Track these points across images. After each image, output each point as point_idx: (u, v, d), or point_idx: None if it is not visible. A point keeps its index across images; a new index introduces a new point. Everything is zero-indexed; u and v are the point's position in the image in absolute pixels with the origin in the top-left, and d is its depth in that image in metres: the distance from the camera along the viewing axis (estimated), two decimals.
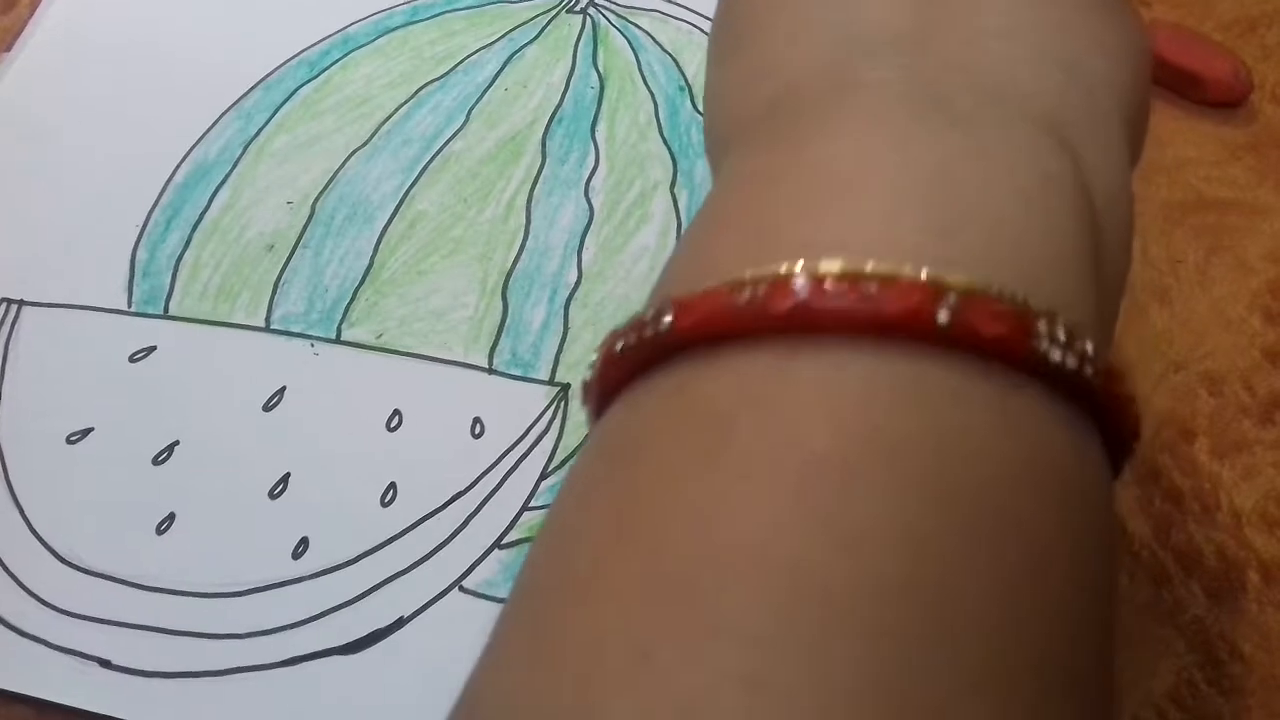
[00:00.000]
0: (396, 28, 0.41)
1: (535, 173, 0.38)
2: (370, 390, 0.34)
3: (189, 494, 0.32)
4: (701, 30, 0.41)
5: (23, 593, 0.31)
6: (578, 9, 0.42)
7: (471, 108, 0.39)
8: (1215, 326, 0.36)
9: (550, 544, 0.17)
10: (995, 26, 0.20)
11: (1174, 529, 0.33)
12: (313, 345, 0.35)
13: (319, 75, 0.40)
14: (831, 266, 0.16)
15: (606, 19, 0.41)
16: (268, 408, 0.34)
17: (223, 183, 0.38)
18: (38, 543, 0.32)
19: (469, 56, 0.40)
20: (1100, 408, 0.17)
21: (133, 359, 0.35)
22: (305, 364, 0.35)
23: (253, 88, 0.40)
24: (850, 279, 0.16)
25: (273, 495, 0.32)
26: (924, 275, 0.16)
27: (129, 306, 0.36)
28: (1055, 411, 0.16)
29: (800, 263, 0.16)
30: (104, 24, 0.41)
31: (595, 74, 0.40)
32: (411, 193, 0.38)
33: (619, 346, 0.18)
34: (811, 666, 0.14)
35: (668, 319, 0.17)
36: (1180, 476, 0.34)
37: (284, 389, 0.34)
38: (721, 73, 0.23)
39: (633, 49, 0.41)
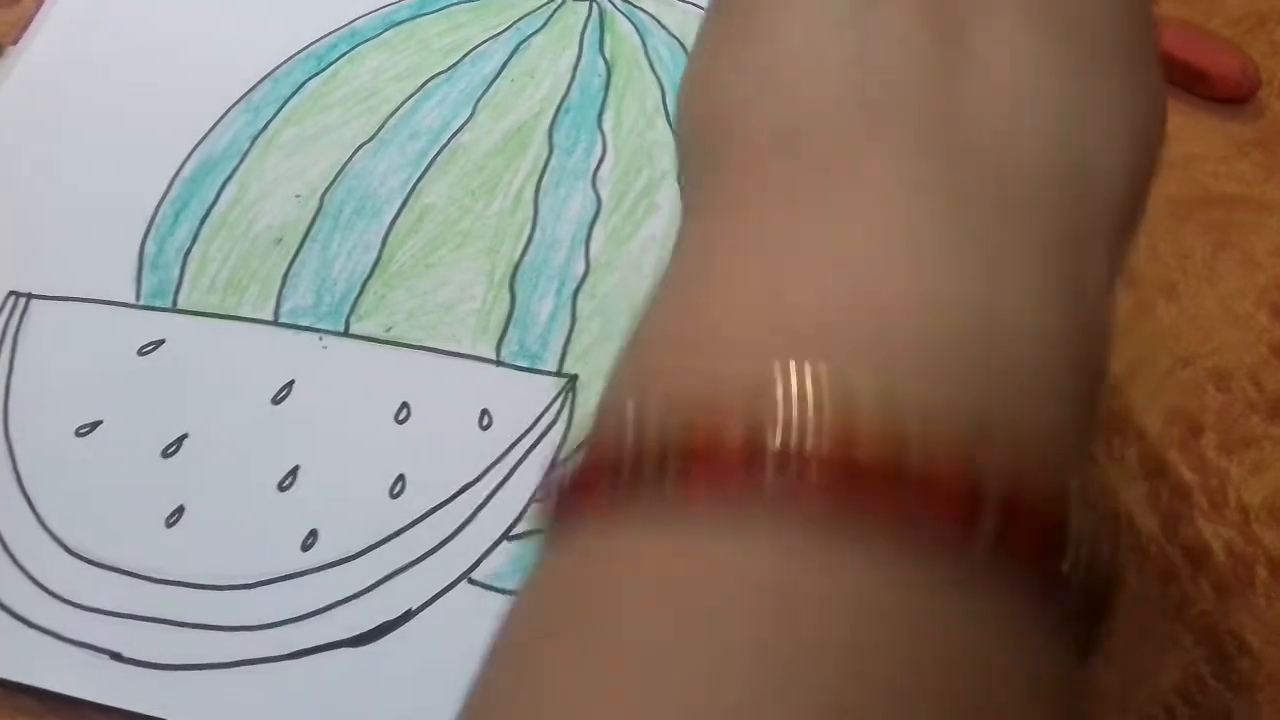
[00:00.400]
0: (403, 21, 0.41)
1: (542, 164, 0.38)
2: (379, 383, 0.34)
3: (198, 487, 0.32)
4: None
5: (33, 585, 0.31)
6: None
7: (478, 100, 0.39)
8: (1223, 322, 0.36)
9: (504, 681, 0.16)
10: (1009, 88, 0.18)
11: (1182, 524, 0.33)
12: (321, 338, 0.35)
13: (326, 69, 0.40)
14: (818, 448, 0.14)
15: (613, 4, 0.41)
16: (276, 401, 0.34)
17: (230, 176, 0.38)
18: (47, 536, 0.32)
19: (475, 48, 0.40)
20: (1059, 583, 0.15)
21: (141, 352, 0.35)
22: (314, 357, 0.35)
23: (260, 81, 0.40)
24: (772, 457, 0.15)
25: (281, 488, 0.32)
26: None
27: (137, 300, 0.36)
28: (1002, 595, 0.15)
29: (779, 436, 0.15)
30: (111, 17, 0.41)
31: (602, 61, 0.40)
32: (419, 186, 0.38)
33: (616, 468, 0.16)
34: None
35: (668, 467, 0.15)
36: (1188, 472, 0.34)
37: (292, 382, 0.34)
38: (718, 59, 0.21)
39: (639, 34, 0.41)
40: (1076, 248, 0.18)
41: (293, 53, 0.40)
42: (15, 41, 0.42)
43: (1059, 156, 0.18)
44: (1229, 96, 0.40)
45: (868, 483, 0.14)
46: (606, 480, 0.16)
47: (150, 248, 0.37)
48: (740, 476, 0.15)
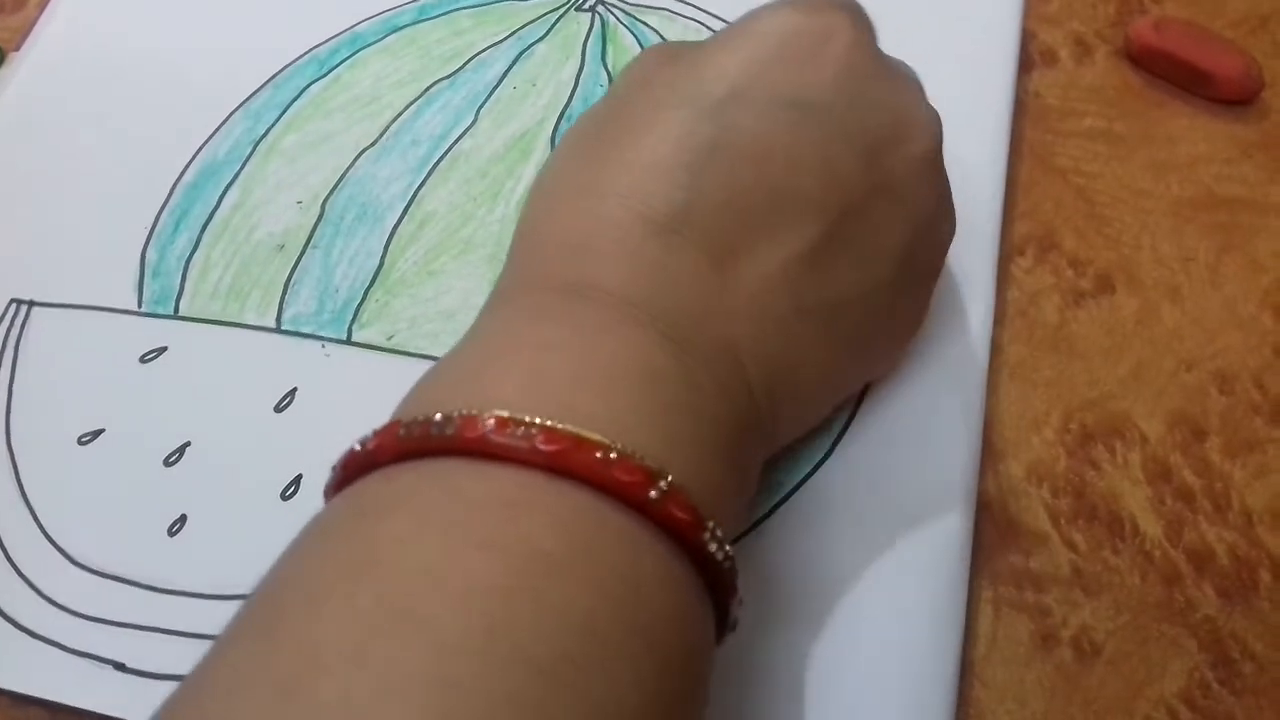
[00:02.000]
0: (404, 26, 0.41)
1: None
2: (382, 392, 0.33)
3: (200, 495, 0.32)
4: (710, 29, 0.41)
5: (36, 596, 0.31)
6: (586, 7, 0.42)
7: (480, 106, 0.39)
8: (1226, 325, 0.36)
9: (293, 565, 0.22)
10: (750, 319, 0.26)
11: (1186, 528, 0.33)
12: (324, 346, 0.35)
13: (328, 74, 0.40)
14: (502, 413, 0.22)
15: (615, 16, 0.41)
16: (279, 409, 0.34)
17: (232, 182, 0.38)
18: (50, 545, 0.32)
19: (477, 55, 0.40)
20: (703, 562, 0.23)
21: (143, 360, 0.35)
22: (316, 365, 0.35)
23: (261, 86, 0.40)
24: (516, 424, 0.22)
25: (284, 497, 0.32)
26: (568, 428, 0.22)
27: (139, 307, 0.36)
28: (655, 547, 0.22)
29: (491, 411, 0.22)
30: (112, 24, 0.41)
31: (604, 72, 0.40)
32: (421, 192, 0.38)
33: (400, 433, 0.23)
34: (478, 676, 0.19)
35: (370, 444, 0.23)
36: (1192, 475, 0.34)
37: (295, 390, 0.34)
38: (561, 197, 0.28)
39: (641, 46, 0.40)
40: (736, 440, 0.25)
41: (294, 58, 0.40)
42: (17, 48, 0.42)
43: (757, 380, 0.26)
44: (1232, 98, 0.40)
45: (580, 451, 0.21)
46: (395, 445, 0.22)
47: (152, 254, 0.37)
48: (490, 441, 0.22)
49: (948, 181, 0.30)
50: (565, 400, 0.23)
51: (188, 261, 0.36)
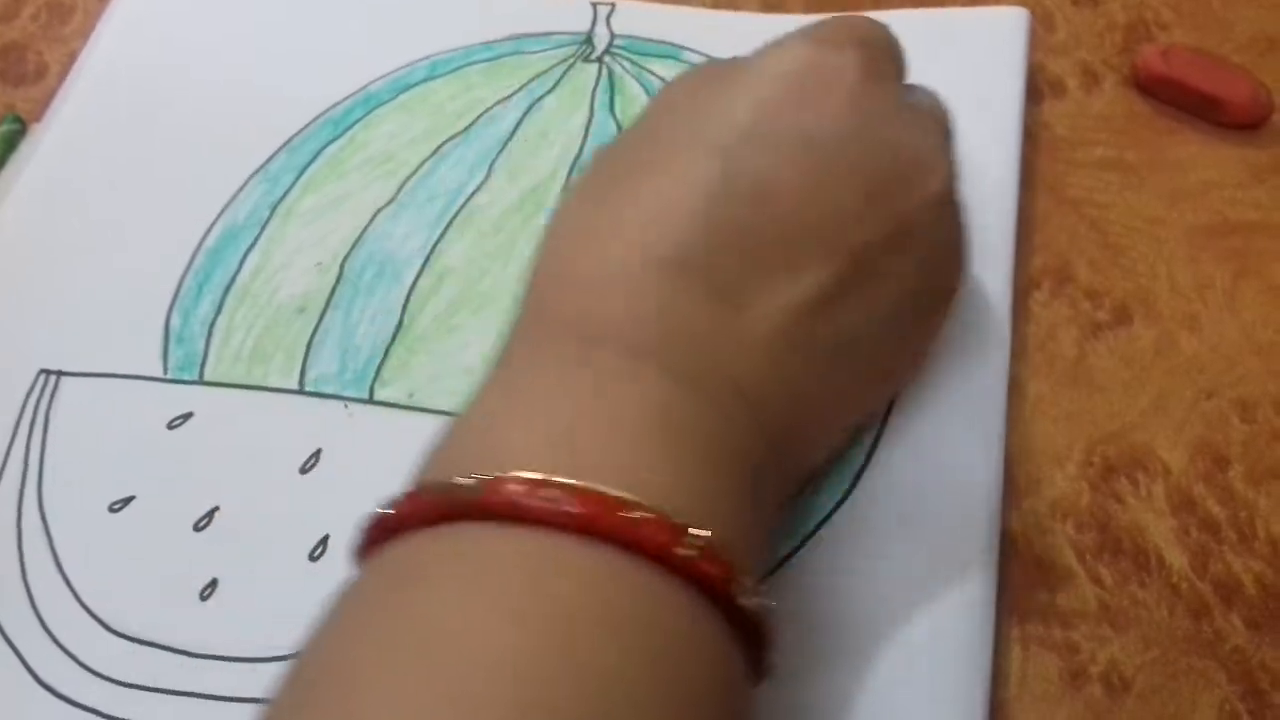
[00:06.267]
0: (416, 84, 0.42)
1: None
2: (404, 450, 0.34)
3: (230, 559, 0.33)
4: None
5: (74, 664, 0.31)
6: (593, 58, 0.42)
7: (493, 161, 0.40)
8: (1246, 351, 0.36)
9: (328, 645, 0.22)
10: (761, 353, 0.27)
11: (1211, 559, 0.33)
12: (346, 406, 0.35)
13: (343, 134, 0.41)
14: (533, 475, 0.22)
15: (622, 66, 0.42)
16: (305, 470, 0.34)
17: (252, 246, 0.38)
18: (86, 613, 0.32)
19: (488, 110, 0.41)
20: (735, 613, 0.23)
21: (170, 426, 0.35)
22: (340, 425, 0.35)
23: (278, 150, 0.40)
24: (544, 485, 0.22)
25: (313, 558, 0.33)
26: (603, 489, 0.22)
27: (165, 373, 0.36)
28: (687, 603, 0.22)
29: (516, 472, 0.22)
30: (130, 94, 0.42)
31: (613, 121, 0.40)
32: (438, 248, 0.38)
33: (426, 498, 0.23)
34: None
35: (400, 508, 0.24)
36: (1216, 505, 0.34)
37: (320, 451, 0.35)
38: (569, 245, 0.28)
39: (648, 95, 0.41)
40: (755, 479, 0.26)
41: (309, 119, 0.41)
42: (39, 119, 0.42)
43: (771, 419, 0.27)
44: (1243, 122, 0.40)
45: (609, 512, 0.22)
46: (420, 511, 0.23)
47: (175, 320, 0.37)
48: (519, 506, 0.22)
49: (963, 220, 0.30)
50: (589, 457, 0.23)
51: (211, 326, 0.37)
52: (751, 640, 0.24)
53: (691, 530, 0.22)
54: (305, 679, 0.22)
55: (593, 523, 0.21)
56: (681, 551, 0.22)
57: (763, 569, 0.25)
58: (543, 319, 0.28)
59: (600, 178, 0.29)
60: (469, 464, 0.23)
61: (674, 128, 0.28)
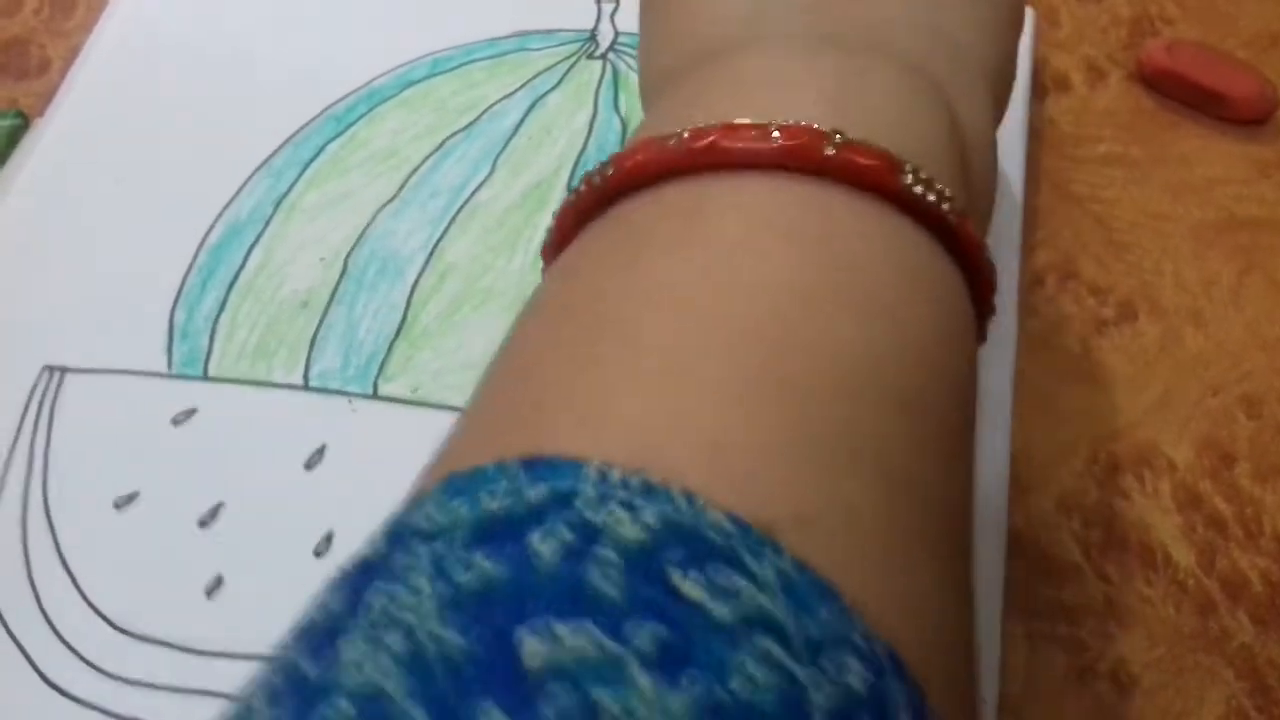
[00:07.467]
0: (419, 80, 0.42)
1: None
2: (408, 445, 0.34)
3: (235, 556, 0.33)
4: None
5: (80, 662, 0.31)
6: (597, 54, 0.42)
7: (496, 157, 0.40)
8: (1251, 347, 0.36)
9: (505, 348, 0.22)
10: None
11: (1218, 556, 0.33)
12: (350, 401, 0.35)
13: (346, 130, 0.40)
14: (742, 119, 0.20)
15: (626, 63, 0.42)
16: (309, 466, 0.34)
17: (255, 242, 0.38)
18: (92, 611, 0.32)
19: (491, 106, 0.41)
20: (959, 246, 0.22)
21: (175, 422, 0.35)
22: (344, 421, 0.35)
23: (282, 145, 0.40)
24: (755, 126, 0.20)
25: (318, 554, 0.33)
26: (815, 124, 0.20)
27: (169, 369, 0.36)
28: (918, 235, 0.21)
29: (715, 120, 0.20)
30: (133, 88, 0.42)
31: (617, 118, 0.40)
32: (441, 244, 0.38)
33: (570, 201, 0.22)
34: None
35: (609, 171, 0.21)
36: (1222, 502, 0.34)
37: (324, 446, 0.34)
38: (652, 31, 0.27)
39: None
40: (942, 82, 0.24)
41: (312, 115, 0.41)
42: (42, 114, 0.42)
43: (924, 30, 0.25)
44: (1247, 118, 0.40)
45: (830, 158, 0.20)
46: (654, 159, 0.21)
47: (180, 316, 0.37)
48: (755, 143, 0.20)
49: None
50: (833, 107, 0.21)
51: (215, 322, 0.37)
52: (977, 283, 0.23)
53: (910, 164, 0.21)
54: (579, 321, 0.20)
55: (852, 170, 0.20)
56: (908, 182, 0.21)
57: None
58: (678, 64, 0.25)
59: None
60: (684, 121, 0.21)
61: None
